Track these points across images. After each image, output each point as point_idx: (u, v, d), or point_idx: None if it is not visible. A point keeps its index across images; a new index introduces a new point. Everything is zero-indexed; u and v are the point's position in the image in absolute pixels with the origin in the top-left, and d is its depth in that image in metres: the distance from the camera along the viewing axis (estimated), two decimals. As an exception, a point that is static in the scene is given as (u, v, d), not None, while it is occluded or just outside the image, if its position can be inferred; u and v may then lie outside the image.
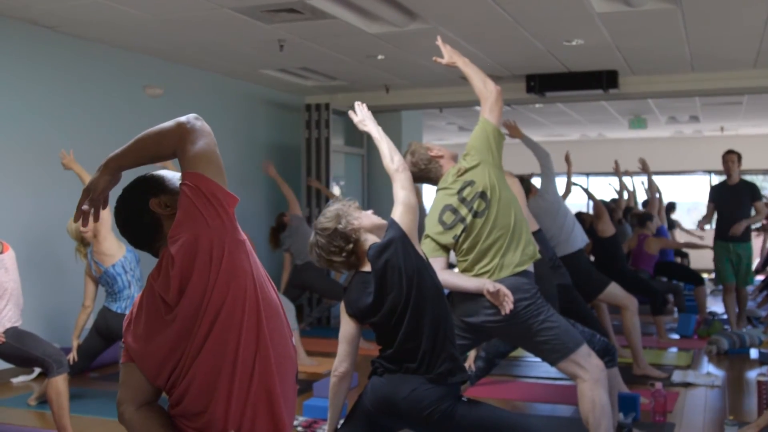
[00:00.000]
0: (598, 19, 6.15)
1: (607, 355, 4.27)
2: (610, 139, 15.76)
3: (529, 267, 3.58)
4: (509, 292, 3.35)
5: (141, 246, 2.03)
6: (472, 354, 4.83)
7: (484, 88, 3.66)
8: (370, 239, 2.92)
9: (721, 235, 7.86)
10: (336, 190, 9.31)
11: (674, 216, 12.57)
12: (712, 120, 12.90)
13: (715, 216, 8.02)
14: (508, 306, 3.33)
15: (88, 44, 6.75)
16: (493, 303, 3.38)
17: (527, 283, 3.51)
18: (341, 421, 3.01)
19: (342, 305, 3.01)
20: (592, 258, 7.46)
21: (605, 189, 9.91)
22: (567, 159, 7.60)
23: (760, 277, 11.60)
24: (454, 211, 3.54)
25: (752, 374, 5.99)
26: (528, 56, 7.54)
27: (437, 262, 3.52)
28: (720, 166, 7.88)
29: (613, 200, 9.38)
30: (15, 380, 6.03)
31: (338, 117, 9.23)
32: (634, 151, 13.04)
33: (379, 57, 7.56)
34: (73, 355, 5.18)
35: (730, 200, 7.74)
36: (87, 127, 6.73)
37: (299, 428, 4.64)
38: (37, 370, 6.02)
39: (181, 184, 1.88)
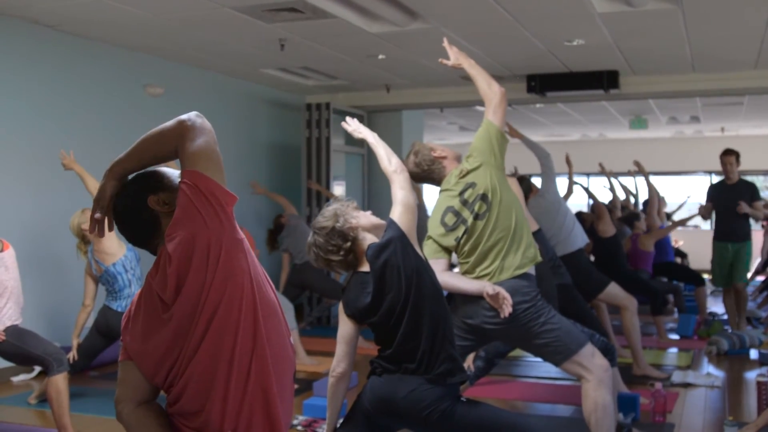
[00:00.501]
0: (599, 19, 6.15)
1: (606, 355, 4.27)
2: (610, 139, 15.76)
3: (530, 269, 3.58)
4: (508, 295, 3.35)
5: (139, 243, 2.02)
6: (471, 354, 4.83)
7: (489, 89, 3.66)
8: (369, 239, 2.92)
9: (719, 235, 7.76)
10: (337, 191, 9.31)
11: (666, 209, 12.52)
12: (712, 120, 12.90)
13: (714, 216, 7.92)
14: (507, 309, 3.33)
15: (89, 43, 6.75)
16: (493, 306, 3.38)
17: (527, 286, 3.51)
18: (340, 421, 3.01)
19: (340, 305, 3.01)
20: (592, 258, 7.46)
21: (600, 190, 9.88)
22: (567, 161, 7.60)
23: (760, 278, 11.59)
24: (456, 212, 3.54)
25: (752, 375, 5.99)
26: (529, 56, 7.54)
27: (439, 264, 3.52)
28: (720, 167, 7.73)
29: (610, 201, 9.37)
30: (15, 379, 6.03)
31: (339, 116, 9.22)
32: (634, 152, 13.05)
33: (380, 56, 7.56)
34: (73, 354, 5.19)
35: (729, 200, 7.57)
36: (88, 126, 6.73)
37: (299, 427, 4.64)
38: (38, 369, 6.03)
39: (179, 182, 1.87)
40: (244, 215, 7.97)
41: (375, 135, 3.20)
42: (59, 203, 6.29)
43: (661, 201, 9.65)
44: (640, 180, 9.07)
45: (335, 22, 6.13)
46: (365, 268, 2.89)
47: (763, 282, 10.67)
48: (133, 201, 1.97)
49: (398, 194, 2.97)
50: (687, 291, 9.31)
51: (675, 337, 7.79)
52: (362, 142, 9.63)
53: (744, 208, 7.40)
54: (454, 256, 3.69)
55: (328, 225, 2.91)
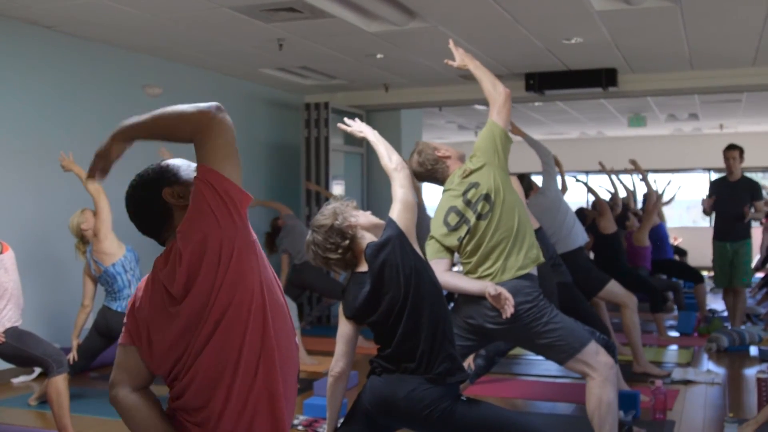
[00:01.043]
0: (598, 17, 6.15)
1: (607, 352, 4.27)
2: (609, 137, 15.77)
3: (533, 270, 3.58)
4: (510, 295, 3.35)
5: (149, 234, 2.03)
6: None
7: (494, 90, 3.67)
8: (368, 237, 2.92)
9: (718, 234, 7.64)
10: (336, 190, 9.31)
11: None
12: (711, 118, 12.91)
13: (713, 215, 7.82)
14: (509, 309, 3.33)
15: (87, 44, 6.75)
16: (495, 306, 3.38)
17: (529, 286, 3.51)
18: (340, 421, 3.01)
19: (341, 307, 3.01)
20: (592, 255, 7.47)
21: (600, 188, 9.88)
22: (557, 162, 7.58)
23: (759, 275, 11.59)
24: (459, 212, 3.54)
25: (752, 371, 6.00)
26: (527, 54, 7.54)
27: (441, 264, 3.53)
28: (719, 164, 7.65)
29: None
30: (15, 380, 6.03)
31: (337, 116, 9.22)
32: (633, 149, 13.05)
33: (379, 56, 7.56)
34: (73, 355, 5.19)
35: (730, 197, 7.42)
36: (86, 127, 6.73)
37: (300, 427, 4.65)
38: (38, 370, 6.02)
39: (195, 177, 1.87)
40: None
41: (375, 133, 3.20)
42: (59, 204, 6.28)
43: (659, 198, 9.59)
44: (638, 177, 9.06)
45: (333, 21, 6.13)
46: (363, 268, 2.89)
47: (763, 279, 10.67)
48: (148, 192, 1.99)
49: (398, 192, 2.97)
50: (687, 288, 9.31)
51: (675, 334, 7.80)
52: (361, 142, 9.69)
53: (749, 214, 7.31)
54: (456, 255, 3.69)
55: (326, 223, 2.91)
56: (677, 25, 6.41)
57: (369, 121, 9.59)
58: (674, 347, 7.22)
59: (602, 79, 8.29)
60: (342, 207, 2.95)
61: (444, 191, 3.69)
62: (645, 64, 8.10)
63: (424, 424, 2.81)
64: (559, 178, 7.66)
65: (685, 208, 16.71)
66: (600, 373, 3.47)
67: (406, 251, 2.85)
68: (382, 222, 2.95)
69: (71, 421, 4.35)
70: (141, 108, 7.21)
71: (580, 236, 5.96)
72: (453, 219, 3.56)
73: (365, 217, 2.96)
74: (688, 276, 8.68)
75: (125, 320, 2.02)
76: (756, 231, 12.13)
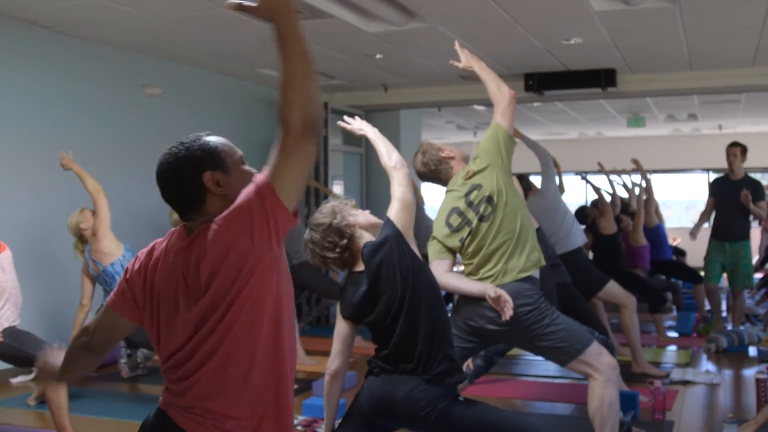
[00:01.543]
0: (597, 18, 6.15)
1: (607, 352, 4.28)
2: (608, 137, 15.77)
3: (534, 273, 3.58)
4: (510, 298, 3.34)
5: (172, 205, 1.98)
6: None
7: (498, 92, 3.68)
8: (366, 237, 2.91)
9: (717, 234, 7.47)
10: (335, 190, 9.31)
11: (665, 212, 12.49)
12: (710, 118, 12.91)
13: (713, 214, 7.64)
14: (508, 312, 3.33)
15: (87, 44, 6.75)
16: (495, 308, 3.38)
17: (530, 289, 3.51)
18: (338, 421, 3.01)
19: (338, 307, 3.01)
20: (591, 255, 7.46)
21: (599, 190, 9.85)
22: (555, 163, 7.57)
23: (758, 275, 11.59)
24: (461, 213, 3.54)
25: (751, 372, 6.00)
26: (526, 55, 7.54)
27: (442, 265, 3.53)
28: (718, 164, 7.56)
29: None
30: (14, 380, 6.02)
31: (337, 116, 9.20)
32: (632, 150, 13.03)
33: (378, 56, 7.56)
34: (72, 355, 5.17)
35: (731, 197, 7.21)
36: (86, 127, 6.73)
37: (299, 427, 4.65)
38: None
39: (251, 175, 1.85)
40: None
41: (375, 130, 3.20)
42: (58, 203, 6.28)
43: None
44: (637, 178, 9.04)
45: (333, 21, 6.13)
46: (361, 267, 2.89)
47: (762, 279, 10.67)
48: (188, 169, 1.92)
49: (396, 191, 2.97)
50: (685, 288, 9.31)
51: (674, 334, 7.80)
52: (360, 142, 9.71)
53: (748, 199, 7.06)
54: (457, 257, 3.69)
55: (325, 222, 2.90)
56: (676, 25, 6.41)
57: (368, 121, 9.56)
58: (673, 348, 7.23)
59: (601, 79, 8.29)
60: (341, 206, 2.94)
61: (447, 192, 3.69)
62: (644, 64, 8.10)
63: (422, 425, 2.81)
64: (557, 179, 7.67)
65: (684, 208, 16.72)
66: (602, 374, 3.47)
67: (404, 251, 2.85)
68: (380, 221, 2.95)
69: (70, 421, 4.34)
70: (141, 108, 7.29)
71: (579, 237, 5.96)
72: (455, 220, 3.56)
73: (364, 217, 2.96)
74: (687, 276, 8.68)
75: (122, 278, 2.04)
76: (755, 231, 12.16)
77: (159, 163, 1.97)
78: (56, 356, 2.20)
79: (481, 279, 3.52)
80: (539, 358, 4.63)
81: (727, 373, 6.14)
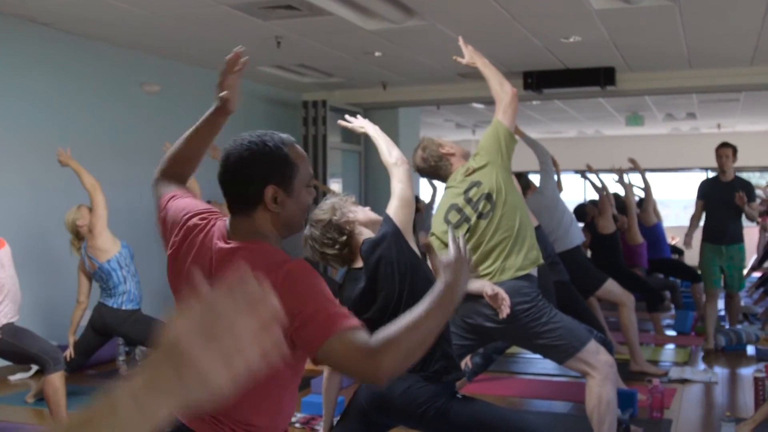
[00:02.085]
0: (596, 16, 6.15)
1: (605, 351, 4.28)
2: (607, 136, 15.77)
3: (532, 271, 3.58)
4: (507, 296, 3.34)
5: (224, 195, 1.92)
6: (469, 351, 4.83)
7: (500, 89, 3.67)
8: (365, 233, 2.91)
9: (712, 237, 7.03)
10: (334, 188, 9.31)
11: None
12: (709, 117, 12.92)
13: (704, 216, 7.17)
14: (505, 310, 3.32)
15: (85, 41, 6.74)
16: (492, 306, 3.38)
17: (528, 287, 3.51)
18: (337, 418, 3.01)
19: None
20: (589, 254, 7.46)
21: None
22: (554, 162, 7.56)
23: (756, 274, 11.61)
24: (460, 210, 3.54)
25: (749, 371, 6.00)
26: (525, 53, 7.54)
27: None
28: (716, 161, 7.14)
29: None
30: (12, 378, 6.02)
31: (335, 114, 9.23)
32: (631, 148, 13.04)
33: (377, 54, 7.55)
34: (69, 352, 5.18)
35: (723, 198, 6.85)
36: (84, 124, 6.72)
37: (297, 425, 4.65)
38: (35, 368, 6.02)
39: (325, 321, 1.71)
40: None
41: (376, 128, 3.20)
42: (55, 200, 6.27)
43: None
44: (635, 177, 9.03)
45: (331, 19, 6.13)
46: (360, 264, 2.89)
47: (760, 278, 10.68)
48: (255, 172, 1.86)
49: (396, 187, 2.96)
50: (684, 287, 9.31)
51: (672, 333, 7.80)
52: (359, 140, 9.71)
53: (743, 201, 6.74)
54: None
55: (325, 218, 2.90)
56: (675, 24, 6.41)
57: (366, 120, 9.57)
58: (671, 346, 7.23)
59: (600, 77, 8.30)
60: (340, 202, 2.94)
61: (446, 188, 3.68)
62: (643, 63, 8.10)
63: (420, 422, 2.81)
64: (555, 177, 7.66)
65: (682, 207, 16.71)
66: (600, 372, 3.47)
67: (402, 248, 2.84)
68: (379, 218, 2.94)
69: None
70: (139, 106, 7.27)
71: (577, 235, 5.97)
72: (454, 216, 3.55)
73: (363, 213, 2.95)
74: (685, 275, 8.68)
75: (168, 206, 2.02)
76: (753, 230, 12.17)
77: (231, 148, 1.89)
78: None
79: (478, 277, 3.52)
80: (537, 356, 4.64)
81: (725, 371, 6.14)
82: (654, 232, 8.73)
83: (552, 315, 3.49)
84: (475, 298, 3.46)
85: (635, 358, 5.96)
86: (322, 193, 8.78)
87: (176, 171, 2.18)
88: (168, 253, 2.00)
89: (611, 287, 5.97)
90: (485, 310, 3.45)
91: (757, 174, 15.94)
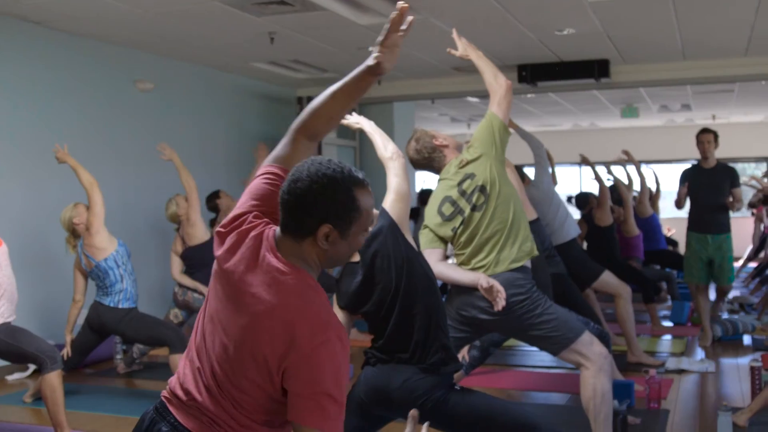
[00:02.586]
0: (590, 8, 6.15)
1: (600, 342, 4.28)
2: (602, 128, 15.78)
3: (527, 263, 3.58)
4: (502, 288, 3.34)
5: (281, 212, 1.86)
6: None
7: (495, 81, 3.66)
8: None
9: (696, 226, 6.73)
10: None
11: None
12: (703, 108, 12.93)
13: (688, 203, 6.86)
14: (500, 302, 3.33)
15: (78, 39, 6.73)
16: (487, 298, 3.38)
17: (522, 278, 3.51)
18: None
19: (335, 297, 3.01)
20: (585, 245, 7.47)
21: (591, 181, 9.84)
22: (549, 155, 7.55)
23: (753, 264, 11.64)
24: (453, 203, 3.54)
25: (745, 360, 6.02)
26: (519, 46, 7.54)
27: (434, 254, 3.52)
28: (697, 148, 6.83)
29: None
30: (10, 378, 6.02)
31: (330, 109, 9.20)
32: (626, 141, 13.08)
33: (370, 48, 7.49)
34: (66, 351, 5.17)
35: (707, 185, 6.59)
36: (79, 122, 6.71)
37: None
38: (32, 367, 6.01)
39: (319, 390, 1.79)
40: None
41: (371, 123, 3.21)
42: (50, 199, 6.26)
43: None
44: (631, 169, 9.04)
45: (324, 14, 6.12)
46: (356, 257, 2.89)
47: (756, 268, 10.71)
48: (318, 205, 1.82)
49: (392, 181, 2.97)
50: (680, 278, 9.34)
51: (669, 324, 7.82)
52: (354, 135, 9.70)
53: (732, 206, 6.59)
54: (449, 248, 3.69)
55: None
56: (669, 15, 6.41)
57: (361, 114, 9.55)
58: (668, 337, 7.25)
59: (594, 70, 8.29)
60: None
61: (439, 180, 3.68)
62: (637, 55, 8.10)
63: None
64: (550, 170, 7.66)
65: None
66: (594, 363, 3.48)
67: (398, 241, 2.85)
68: (376, 212, 2.95)
69: (66, 417, 4.34)
70: (133, 103, 7.25)
71: (573, 228, 5.98)
72: (447, 209, 3.55)
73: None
74: (681, 266, 8.69)
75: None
76: (748, 221, 12.19)
77: (302, 173, 1.83)
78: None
79: (473, 269, 3.52)
80: (535, 348, 4.64)
81: (722, 361, 6.16)
82: (650, 223, 8.75)
83: (546, 306, 3.49)
84: (470, 290, 3.46)
85: (632, 349, 5.97)
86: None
87: (315, 127, 2.10)
88: (220, 228, 1.97)
89: (608, 279, 5.98)
90: (480, 302, 3.45)
91: (753, 164, 15.96)
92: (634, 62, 8.46)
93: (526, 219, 3.65)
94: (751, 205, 10.15)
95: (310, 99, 9.00)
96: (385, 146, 3.08)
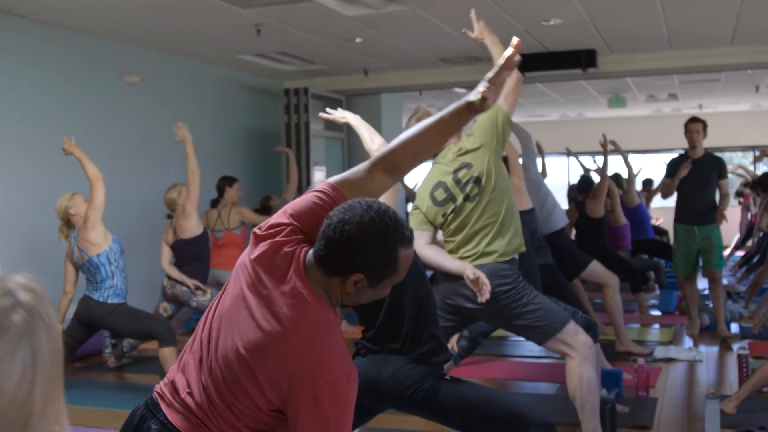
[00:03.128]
0: (576, -2, 6.15)
1: (588, 331, 4.29)
2: (589, 118, 15.81)
3: (514, 256, 3.59)
4: (488, 280, 3.35)
5: (321, 243, 1.84)
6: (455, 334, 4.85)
7: None
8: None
9: (683, 217, 6.66)
10: (318, 176, 9.30)
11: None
12: (690, 98, 12.97)
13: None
14: (485, 294, 3.34)
15: (63, 32, 6.68)
16: (472, 289, 3.39)
17: (508, 269, 3.52)
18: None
19: None
20: (573, 232, 7.50)
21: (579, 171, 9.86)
22: (539, 147, 7.57)
23: (740, 253, 11.70)
24: (447, 189, 3.53)
25: (733, 348, 6.06)
26: (506, 36, 7.44)
27: (423, 236, 3.52)
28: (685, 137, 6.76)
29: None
30: None
31: (317, 101, 9.20)
32: (613, 130, 13.06)
33: (357, 40, 7.53)
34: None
35: (695, 176, 6.47)
36: (65, 116, 6.67)
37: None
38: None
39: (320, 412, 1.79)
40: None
41: (357, 117, 3.20)
42: (36, 194, 6.23)
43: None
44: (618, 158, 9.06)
45: (311, 5, 6.09)
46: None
47: (743, 257, 10.77)
48: (355, 254, 1.82)
49: None
50: (667, 267, 9.38)
51: (657, 313, 7.86)
52: (341, 127, 9.68)
53: (722, 217, 6.49)
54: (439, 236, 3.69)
55: None
56: (655, 5, 6.42)
57: (349, 106, 9.56)
58: (656, 326, 7.28)
59: (582, 60, 8.30)
60: None
61: (435, 163, 3.66)
62: (624, 44, 8.12)
63: (409, 404, 2.82)
64: (540, 162, 7.68)
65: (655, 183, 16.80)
66: (579, 353, 3.49)
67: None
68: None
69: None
70: (120, 97, 7.19)
71: (561, 218, 5.99)
72: (440, 195, 3.54)
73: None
74: (669, 255, 8.72)
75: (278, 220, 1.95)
76: (735, 210, 12.24)
77: (355, 216, 1.81)
78: None
79: (460, 258, 3.53)
80: (523, 338, 4.66)
81: (710, 350, 6.19)
82: (637, 213, 8.79)
83: (532, 296, 3.50)
84: (456, 278, 3.47)
85: (620, 338, 6.00)
86: (306, 183, 8.76)
87: (399, 160, 2.04)
88: (261, 231, 1.94)
89: (596, 269, 6.00)
90: (465, 291, 3.46)
91: (740, 153, 16.03)
92: (621, 52, 8.48)
93: (518, 215, 3.64)
94: (738, 194, 10.22)
95: (297, 91, 9.07)
96: (372, 139, 3.08)
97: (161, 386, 1.98)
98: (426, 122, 2.03)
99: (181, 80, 8.19)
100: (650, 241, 8.98)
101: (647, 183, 11.47)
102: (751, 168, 11.03)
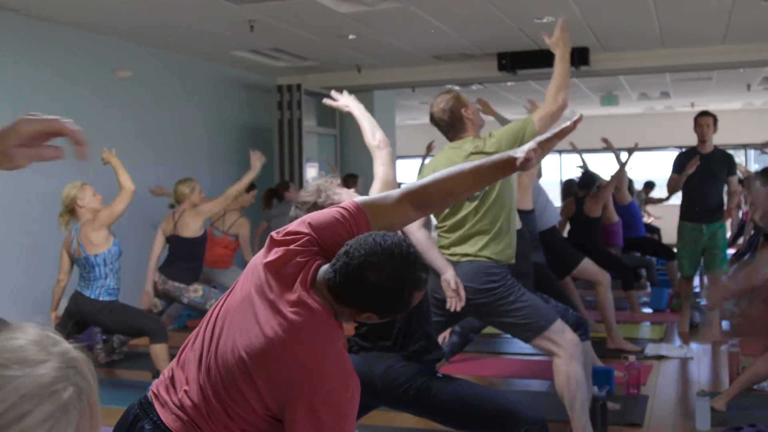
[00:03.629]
0: (569, -4, 6.16)
1: (579, 329, 4.31)
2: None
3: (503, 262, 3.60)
4: (463, 295, 3.38)
5: (338, 269, 1.86)
6: (446, 330, 4.86)
7: (554, 95, 3.59)
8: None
9: (689, 214, 6.47)
10: (310, 173, 9.29)
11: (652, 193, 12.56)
12: (682, 96, 13.00)
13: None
14: (455, 306, 3.37)
15: (55, 27, 6.65)
16: (446, 292, 3.40)
17: (496, 267, 3.53)
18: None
19: None
20: (567, 227, 7.50)
21: (574, 169, 9.88)
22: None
23: (731, 251, 11.72)
24: None
25: (724, 346, 6.07)
26: (499, 34, 7.54)
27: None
28: (691, 142, 6.75)
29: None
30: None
31: (310, 98, 9.19)
32: (605, 128, 13.08)
33: (350, 37, 7.52)
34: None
35: (703, 172, 6.25)
36: (56, 112, 6.55)
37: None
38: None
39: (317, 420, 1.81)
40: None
41: (361, 107, 3.20)
42: (31, 187, 6.20)
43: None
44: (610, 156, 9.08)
45: (304, 2, 6.08)
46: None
47: (734, 255, 10.80)
48: (370, 288, 1.83)
49: (379, 170, 2.97)
50: (659, 265, 9.41)
51: (648, 310, 7.88)
52: (334, 123, 9.68)
53: (730, 213, 6.31)
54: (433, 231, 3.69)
55: (310, 200, 2.89)
56: (648, 3, 6.43)
57: (342, 103, 9.54)
58: (647, 323, 7.30)
59: (574, 58, 8.29)
60: (326, 184, 2.94)
61: (449, 148, 3.67)
62: (616, 43, 8.13)
63: (401, 402, 2.83)
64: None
65: (657, 186, 16.83)
66: (565, 351, 3.50)
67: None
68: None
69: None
70: (111, 92, 7.14)
71: (553, 216, 6.01)
72: None
73: (348, 196, 2.95)
74: (661, 253, 8.76)
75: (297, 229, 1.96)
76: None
77: (378, 257, 1.82)
78: None
79: (452, 255, 3.54)
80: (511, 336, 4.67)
81: (701, 347, 6.21)
82: (629, 210, 8.80)
83: (520, 294, 3.51)
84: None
85: (612, 335, 6.02)
86: (299, 179, 8.75)
87: (430, 197, 2.04)
88: (278, 236, 1.95)
89: (587, 266, 6.01)
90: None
91: (731, 152, 16.06)
92: (614, 50, 8.49)
93: (515, 230, 3.64)
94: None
95: (290, 87, 9.05)
96: (373, 134, 3.07)
97: (157, 384, 1.98)
98: (463, 167, 2.03)
99: (174, 76, 8.16)
100: (642, 239, 8.99)
101: (648, 185, 11.52)
102: (743, 164, 11.07)
